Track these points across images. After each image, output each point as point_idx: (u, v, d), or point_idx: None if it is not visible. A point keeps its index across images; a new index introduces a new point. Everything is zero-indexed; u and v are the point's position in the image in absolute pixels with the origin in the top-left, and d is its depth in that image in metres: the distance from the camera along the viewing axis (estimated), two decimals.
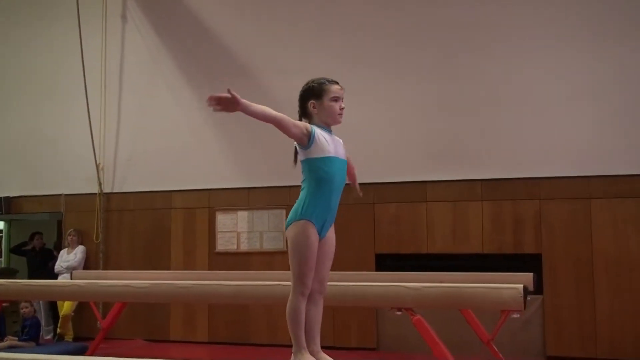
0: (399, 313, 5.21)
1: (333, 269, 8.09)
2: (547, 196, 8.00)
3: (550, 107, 8.03)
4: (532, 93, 8.11)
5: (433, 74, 8.51)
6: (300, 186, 3.38)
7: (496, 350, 6.27)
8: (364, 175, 8.68)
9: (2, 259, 13.36)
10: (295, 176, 9.99)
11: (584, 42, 8.02)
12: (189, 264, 9.23)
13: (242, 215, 9.11)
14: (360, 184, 9.01)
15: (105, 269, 9.46)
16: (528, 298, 5.66)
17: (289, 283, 5.61)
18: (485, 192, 8.24)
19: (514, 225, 8.09)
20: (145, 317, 9.21)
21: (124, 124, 9.86)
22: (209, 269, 8.91)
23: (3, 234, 13.45)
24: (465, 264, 7.77)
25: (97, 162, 9.69)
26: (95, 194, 9.72)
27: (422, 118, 8.51)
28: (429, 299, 5.11)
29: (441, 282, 5.74)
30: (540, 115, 8.06)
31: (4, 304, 6.64)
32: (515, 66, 8.21)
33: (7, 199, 10.25)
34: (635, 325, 7.52)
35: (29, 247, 10.40)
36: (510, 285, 5.20)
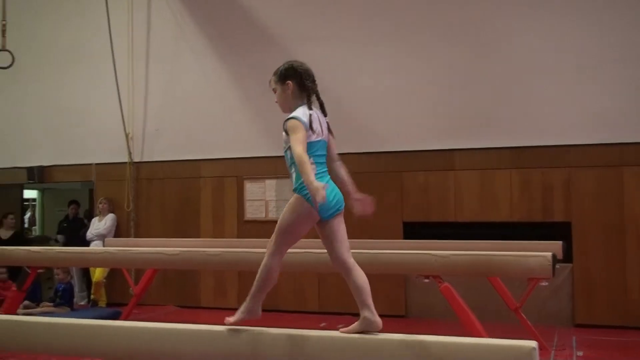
0: (427, 280, 5.25)
1: (361, 236, 8.12)
2: (577, 164, 7.90)
3: (581, 72, 7.89)
4: (562, 59, 7.97)
5: (461, 41, 8.40)
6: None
7: (524, 317, 6.29)
8: (392, 143, 8.71)
9: (37, 227, 13.66)
10: None
11: (616, 5, 7.83)
12: (218, 232, 9.34)
13: (270, 183, 9.16)
14: (388, 152, 8.99)
15: (136, 237, 9.61)
16: (557, 266, 5.66)
17: (318, 250, 5.66)
18: (513, 160, 8.17)
19: (543, 193, 8.02)
20: (177, 284, 9.37)
21: (152, 93, 9.92)
22: (238, 237, 9.00)
23: (37, 203, 13.74)
24: (493, 233, 7.74)
25: (127, 132, 9.79)
26: (125, 163, 9.84)
27: (451, 86, 8.43)
28: (457, 266, 5.12)
29: (469, 250, 5.74)
30: (570, 81, 7.93)
31: (39, 271, 6.79)
32: (543, 32, 8.06)
33: (40, 168, 10.42)
34: None
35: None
36: (539, 253, 5.19)
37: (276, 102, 3.29)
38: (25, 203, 12.57)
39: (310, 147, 3.08)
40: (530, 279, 6.03)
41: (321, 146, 3.17)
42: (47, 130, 10.41)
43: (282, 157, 10.07)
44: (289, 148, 3.11)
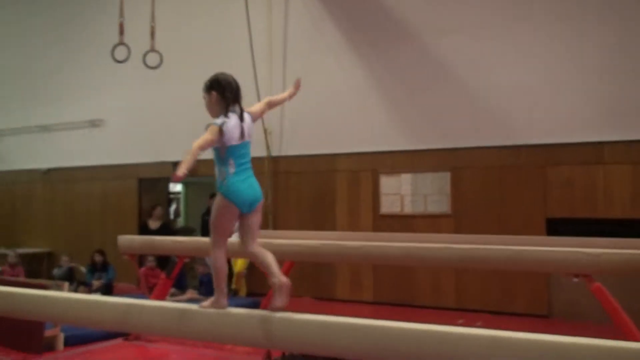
0: (576, 280, 4.93)
1: (500, 232, 7.80)
2: None
3: None
4: None
5: (610, 26, 7.87)
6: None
7: None
8: (534, 135, 8.32)
9: (181, 218, 14.37)
10: (459, 139, 9.69)
11: None
12: (353, 226, 9.37)
13: (406, 178, 9.05)
14: (529, 145, 8.57)
15: (274, 229, 9.83)
16: None
17: (456, 246, 5.51)
18: None
19: None
20: (313, 276, 9.50)
21: (289, 89, 10.06)
22: (373, 231, 8.98)
23: (181, 195, 14.46)
24: None
25: (265, 127, 10.03)
26: (264, 157, 10.10)
27: (600, 73, 7.92)
28: (611, 265, 4.79)
29: (621, 248, 5.35)
30: None
31: (184, 260, 7.09)
32: None
33: None
34: None
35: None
36: None
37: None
38: (170, 196, 13.26)
39: (231, 150, 3.63)
40: None
41: (242, 148, 3.68)
42: (190, 126, 10.84)
43: (419, 150, 9.91)
44: (215, 148, 3.65)
